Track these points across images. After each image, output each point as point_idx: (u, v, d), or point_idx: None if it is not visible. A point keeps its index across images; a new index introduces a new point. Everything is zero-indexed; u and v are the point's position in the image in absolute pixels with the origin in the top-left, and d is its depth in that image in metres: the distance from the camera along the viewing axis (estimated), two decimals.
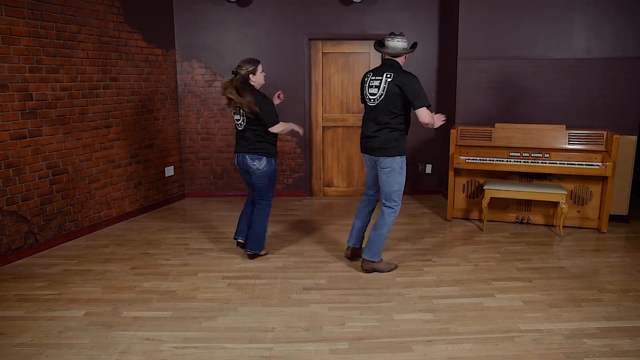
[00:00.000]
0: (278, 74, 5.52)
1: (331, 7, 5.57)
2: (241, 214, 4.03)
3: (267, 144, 3.68)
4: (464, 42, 5.04)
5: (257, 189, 3.78)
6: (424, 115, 3.28)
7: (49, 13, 4.03)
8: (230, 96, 3.54)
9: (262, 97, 3.59)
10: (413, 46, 3.46)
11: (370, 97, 3.45)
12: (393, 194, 3.47)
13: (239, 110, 3.62)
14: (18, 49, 3.80)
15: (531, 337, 2.73)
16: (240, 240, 4.02)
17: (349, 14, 5.58)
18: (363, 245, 3.88)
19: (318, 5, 5.57)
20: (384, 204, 3.53)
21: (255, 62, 3.62)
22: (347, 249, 3.87)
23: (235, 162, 3.81)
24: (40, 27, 3.96)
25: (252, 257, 3.93)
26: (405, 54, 3.42)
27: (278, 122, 3.64)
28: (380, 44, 3.46)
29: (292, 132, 5.77)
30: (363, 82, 3.55)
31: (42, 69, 4.00)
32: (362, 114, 3.66)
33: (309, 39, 5.65)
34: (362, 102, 3.63)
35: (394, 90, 3.32)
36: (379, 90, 3.38)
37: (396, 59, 3.43)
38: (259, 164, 3.65)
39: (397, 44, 3.38)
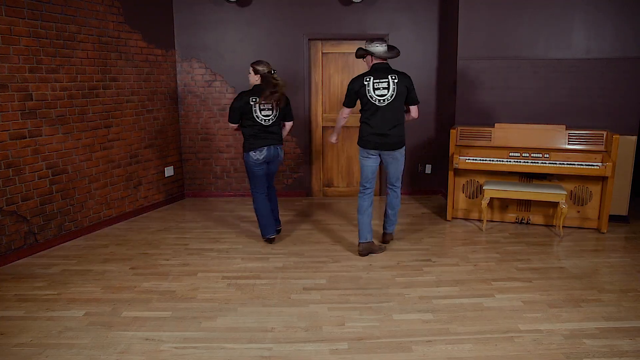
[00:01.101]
0: (278, 74, 5.50)
1: (331, 7, 5.57)
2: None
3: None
4: (464, 42, 5.04)
5: (273, 176, 4.28)
6: (416, 110, 3.87)
7: (49, 13, 4.03)
8: (283, 90, 4.00)
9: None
10: (392, 49, 3.76)
11: (379, 97, 3.70)
12: (401, 175, 3.98)
13: (276, 105, 3.99)
14: (18, 49, 3.80)
15: (531, 337, 2.73)
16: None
17: (349, 14, 5.58)
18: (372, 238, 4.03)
19: (318, 5, 5.57)
20: (395, 185, 3.99)
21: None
22: (360, 245, 3.94)
23: (260, 156, 3.99)
24: (40, 27, 3.96)
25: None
26: (392, 57, 3.74)
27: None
28: (362, 51, 3.75)
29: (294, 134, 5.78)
30: (361, 86, 3.73)
31: (42, 69, 4.00)
32: (360, 115, 3.87)
33: (308, 39, 5.65)
34: (352, 105, 3.84)
35: (403, 90, 3.70)
36: (388, 91, 3.68)
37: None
38: (282, 153, 4.18)
39: (384, 47, 3.70)
